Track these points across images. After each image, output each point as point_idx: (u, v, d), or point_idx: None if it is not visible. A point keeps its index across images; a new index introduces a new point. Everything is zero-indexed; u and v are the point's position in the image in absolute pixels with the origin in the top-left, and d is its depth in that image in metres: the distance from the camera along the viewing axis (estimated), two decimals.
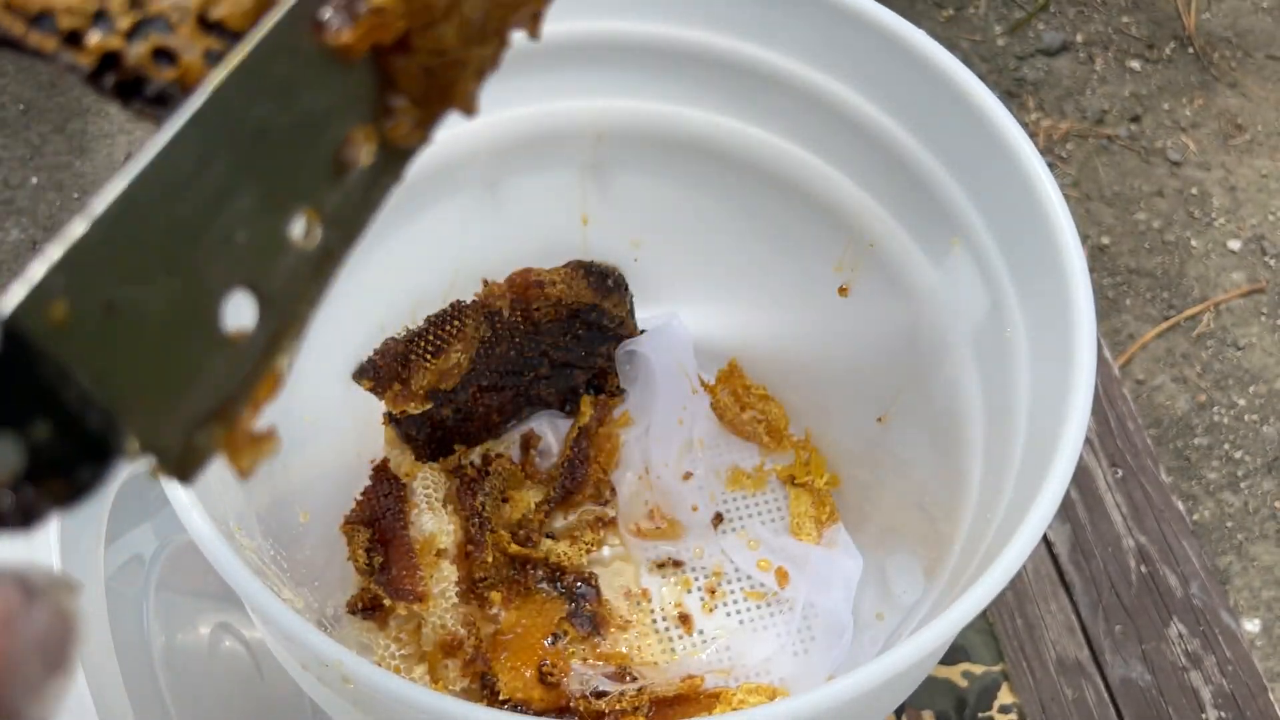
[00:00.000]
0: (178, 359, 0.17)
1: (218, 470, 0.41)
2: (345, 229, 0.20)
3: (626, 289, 0.56)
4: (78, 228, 0.15)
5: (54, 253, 0.15)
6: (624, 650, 0.53)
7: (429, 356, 0.51)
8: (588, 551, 0.55)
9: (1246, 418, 1.18)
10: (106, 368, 0.16)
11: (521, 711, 0.49)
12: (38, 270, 0.15)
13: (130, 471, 0.47)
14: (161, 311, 0.16)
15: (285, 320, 0.19)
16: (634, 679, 0.51)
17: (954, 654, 0.58)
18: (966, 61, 0.43)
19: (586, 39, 0.49)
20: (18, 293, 0.15)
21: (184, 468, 0.17)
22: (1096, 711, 0.57)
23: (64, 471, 0.15)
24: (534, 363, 0.56)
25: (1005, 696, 0.57)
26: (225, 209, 0.17)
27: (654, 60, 0.50)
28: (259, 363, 0.18)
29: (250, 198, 0.18)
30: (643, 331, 0.58)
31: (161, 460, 0.17)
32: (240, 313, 0.18)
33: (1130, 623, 0.60)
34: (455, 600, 0.51)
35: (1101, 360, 0.66)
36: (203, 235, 0.17)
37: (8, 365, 0.14)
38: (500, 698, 0.49)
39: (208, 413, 0.17)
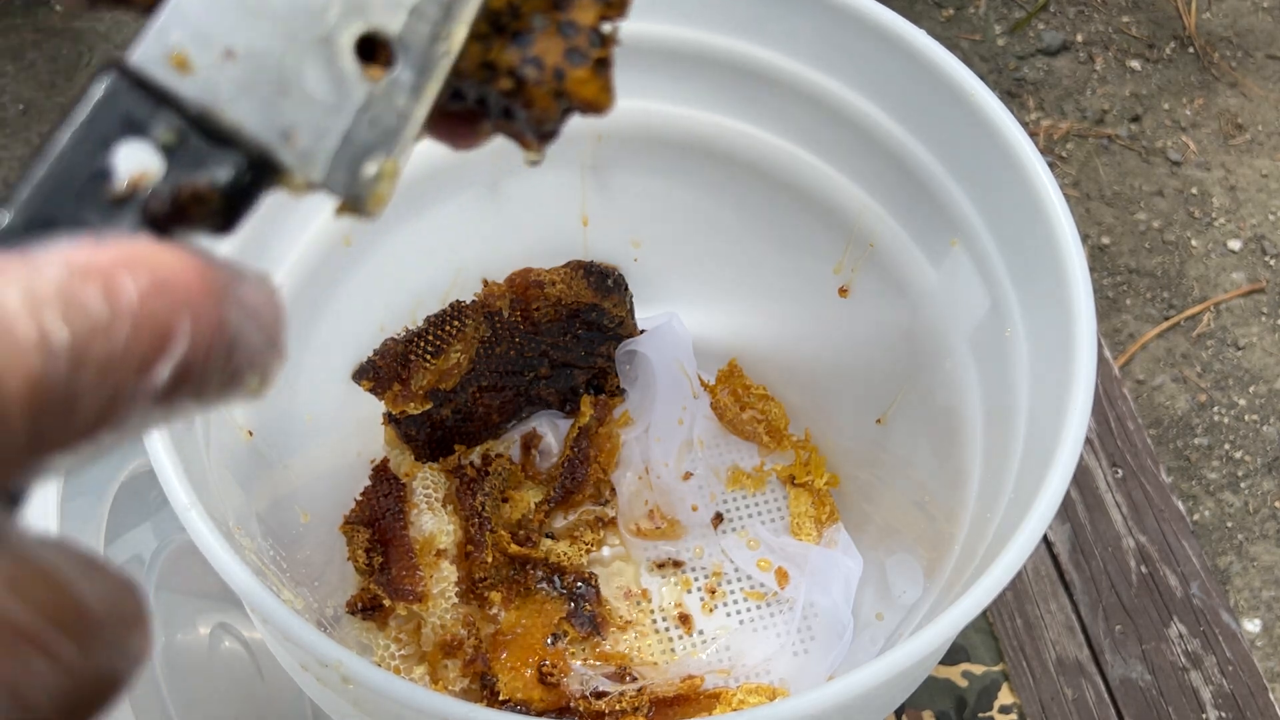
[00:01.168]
0: (312, 97, 0.19)
1: (216, 471, 0.41)
2: None
3: (626, 289, 0.56)
4: None
5: (162, 12, 0.18)
6: (624, 650, 0.53)
7: (429, 357, 0.51)
8: (588, 551, 0.55)
9: (1246, 418, 1.18)
10: (246, 106, 0.18)
11: (521, 712, 0.49)
12: (151, 28, 0.18)
13: (130, 472, 0.47)
14: (285, 55, 0.19)
15: (425, 62, 0.20)
16: (634, 679, 0.51)
17: (954, 654, 0.58)
18: (966, 61, 0.43)
19: None
20: (138, 47, 0.18)
21: (358, 201, 0.20)
22: (1096, 711, 0.57)
23: (200, 172, 0.18)
24: (534, 363, 0.56)
25: (1005, 697, 0.57)
26: None
27: (654, 60, 0.50)
28: (409, 100, 0.20)
29: None
30: (643, 331, 0.58)
31: (333, 191, 0.19)
32: (377, 54, 0.20)
33: (1130, 623, 0.60)
34: (455, 600, 0.51)
35: (1101, 360, 0.66)
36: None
37: (133, 83, 0.17)
38: (500, 698, 0.49)
39: (367, 147, 0.20)
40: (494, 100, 0.23)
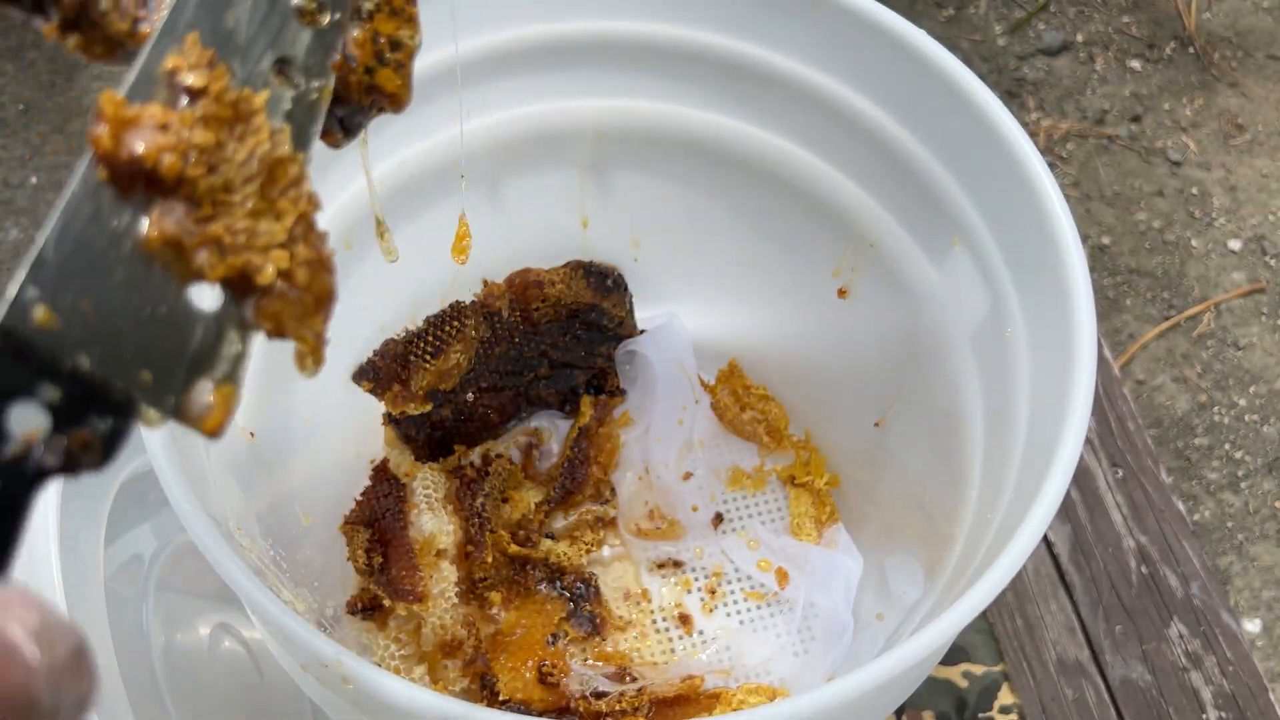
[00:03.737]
0: (159, 337, 0.21)
1: (216, 471, 0.41)
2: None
3: (626, 289, 0.56)
4: (35, 249, 0.20)
5: (21, 270, 0.20)
6: (624, 651, 0.53)
7: (429, 357, 0.51)
8: (588, 552, 0.55)
9: (1247, 418, 1.18)
10: (106, 350, 0.20)
11: (521, 712, 0.49)
12: (11, 288, 0.19)
13: (130, 472, 0.47)
14: (135, 300, 0.21)
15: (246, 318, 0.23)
16: (634, 679, 0.51)
17: (954, 654, 0.58)
18: (967, 61, 0.43)
19: (586, 39, 0.49)
20: (3, 309, 0.19)
21: (197, 425, 0.22)
22: (1097, 712, 0.57)
23: (85, 427, 0.20)
24: (534, 363, 0.56)
25: (1005, 697, 0.57)
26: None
27: (654, 60, 0.50)
28: (233, 336, 0.22)
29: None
30: (643, 331, 0.58)
31: (170, 415, 0.21)
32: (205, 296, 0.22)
33: (1130, 623, 0.60)
34: (455, 601, 0.51)
35: (1102, 360, 0.66)
36: (140, 261, 0.21)
37: (11, 353, 0.19)
38: (500, 698, 0.49)
39: (205, 376, 0.22)
40: None
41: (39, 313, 0.19)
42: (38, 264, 0.20)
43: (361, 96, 0.26)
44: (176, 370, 0.21)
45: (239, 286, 0.22)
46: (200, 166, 0.21)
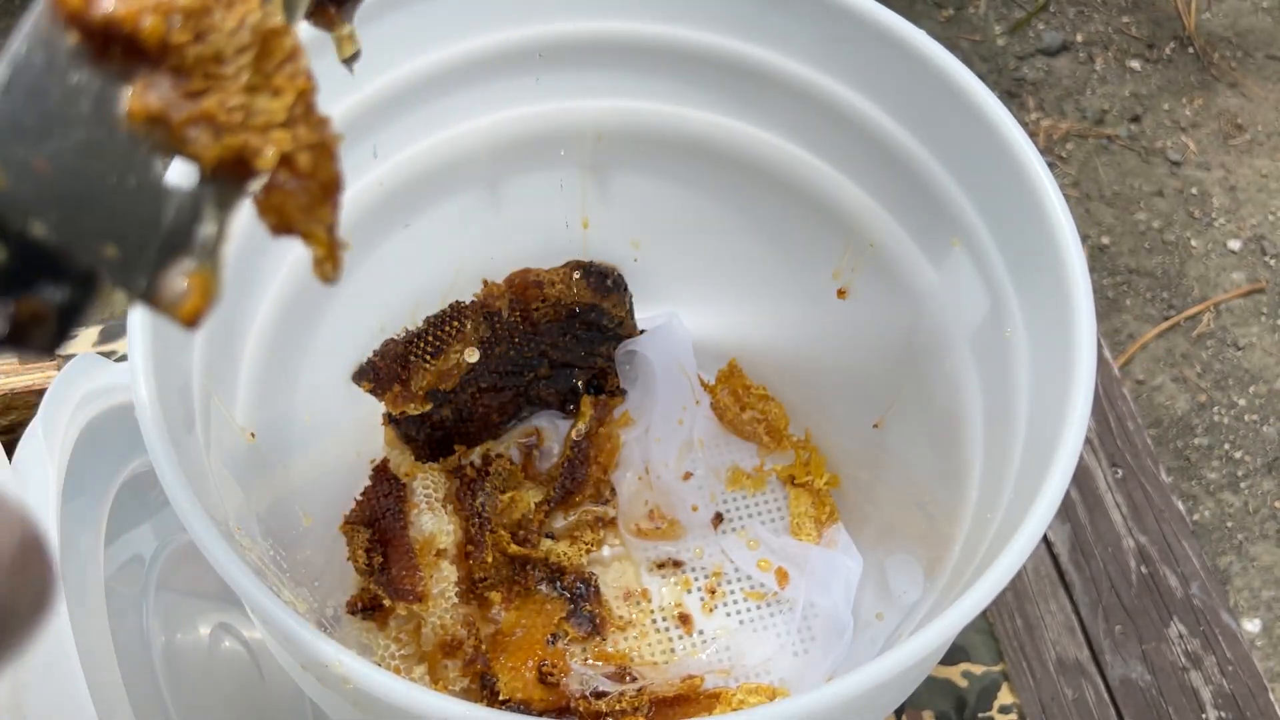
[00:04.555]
0: (126, 209, 0.19)
1: (216, 471, 0.41)
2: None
3: (626, 289, 0.56)
4: None
5: None
6: (624, 650, 0.53)
7: (429, 357, 0.51)
8: (588, 551, 0.55)
9: (1246, 418, 1.18)
10: (64, 216, 0.18)
11: (521, 712, 0.49)
12: None
13: (130, 472, 0.47)
14: (98, 169, 0.19)
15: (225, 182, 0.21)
16: (634, 679, 0.51)
17: (954, 654, 0.58)
18: (966, 61, 0.43)
19: (586, 39, 0.49)
20: None
21: (171, 307, 0.20)
22: (1096, 712, 0.57)
23: (37, 296, 0.18)
24: (533, 363, 0.56)
25: (1005, 697, 0.57)
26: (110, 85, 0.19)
27: (654, 60, 0.50)
28: (210, 217, 0.20)
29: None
30: (643, 331, 0.58)
31: (141, 298, 0.19)
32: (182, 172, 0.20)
33: (1130, 623, 0.60)
34: (455, 600, 0.51)
35: (1101, 360, 0.66)
36: (104, 126, 0.19)
37: None
38: (500, 698, 0.49)
39: (177, 254, 0.19)
40: None
41: None
42: None
43: None
44: (147, 249, 0.19)
45: (237, 171, 0.20)
46: (186, 32, 0.19)
